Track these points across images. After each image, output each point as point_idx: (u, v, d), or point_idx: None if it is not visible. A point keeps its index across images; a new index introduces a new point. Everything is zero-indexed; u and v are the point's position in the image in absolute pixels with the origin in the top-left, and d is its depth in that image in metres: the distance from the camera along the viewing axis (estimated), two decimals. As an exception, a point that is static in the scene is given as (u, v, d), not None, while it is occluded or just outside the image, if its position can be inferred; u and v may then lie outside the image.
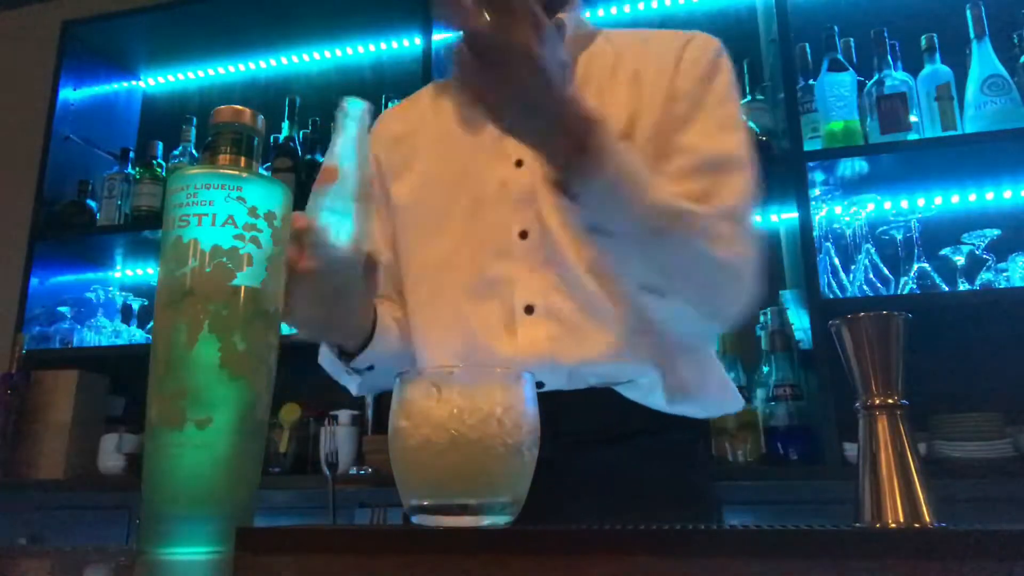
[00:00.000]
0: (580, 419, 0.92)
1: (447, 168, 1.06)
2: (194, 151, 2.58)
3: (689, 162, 0.93)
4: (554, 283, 0.95)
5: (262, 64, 2.89)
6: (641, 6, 2.48)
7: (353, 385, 1.05)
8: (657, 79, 0.99)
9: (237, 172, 0.62)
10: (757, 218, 0.96)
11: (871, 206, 2.04)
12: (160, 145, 2.64)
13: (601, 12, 2.48)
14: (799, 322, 1.97)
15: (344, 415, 2.22)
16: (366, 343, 0.96)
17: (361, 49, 2.78)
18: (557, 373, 0.92)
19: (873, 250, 2.00)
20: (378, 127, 1.17)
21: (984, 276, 1.92)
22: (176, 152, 2.58)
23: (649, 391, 0.93)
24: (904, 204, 2.14)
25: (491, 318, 0.96)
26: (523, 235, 0.97)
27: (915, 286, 1.92)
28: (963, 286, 1.91)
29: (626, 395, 0.93)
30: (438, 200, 1.04)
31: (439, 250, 1.02)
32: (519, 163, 1.01)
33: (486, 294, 0.97)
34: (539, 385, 0.91)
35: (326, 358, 1.02)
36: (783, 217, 2.22)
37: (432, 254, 1.03)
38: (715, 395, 0.99)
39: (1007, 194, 2.11)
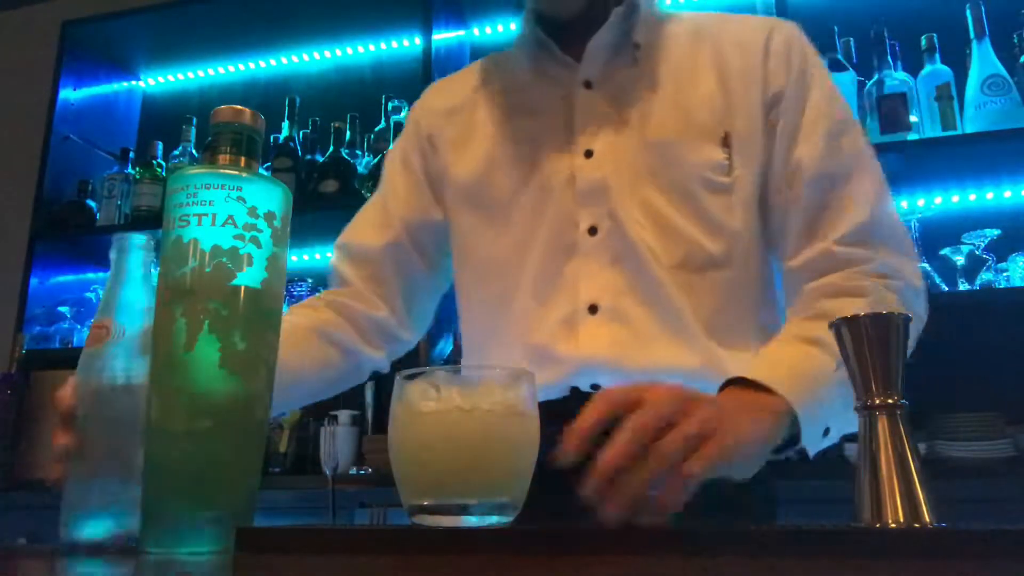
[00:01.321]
0: None
1: (511, 152, 1.00)
2: (194, 151, 2.58)
3: (812, 190, 0.90)
4: (624, 283, 0.90)
5: (262, 64, 2.88)
6: (641, 6, 2.47)
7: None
8: (745, 69, 0.95)
9: (237, 172, 0.62)
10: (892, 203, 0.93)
11: (871, 206, 2.04)
12: (160, 145, 2.64)
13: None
14: (799, 322, 1.97)
15: (344, 415, 2.22)
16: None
17: (361, 49, 2.78)
18: (617, 378, 0.86)
19: (873, 250, 1.99)
20: (426, 99, 1.13)
21: (984, 276, 1.92)
22: (176, 152, 2.58)
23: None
24: (904, 204, 2.14)
25: (553, 317, 0.92)
26: (592, 231, 0.93)
27: (915, 286, 1.92)
28: (963, 286, 1.91)
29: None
30: (502, 186, 0.99)
31: (504, 246, 0.98)
32: (588, 153, 0.95)
33: (551, 292, 0.93)
34: (595, 388, 0.88)
35: None
36: (783, 217, 2.22)
37: (497, 250, 0.98)
38: None
39: (1007, 194, 2.11)
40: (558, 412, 0.84)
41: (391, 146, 2.37)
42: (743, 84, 0.94)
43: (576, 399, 0.84)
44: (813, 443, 0.75)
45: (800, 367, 0.77)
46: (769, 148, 0.93)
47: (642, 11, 0.99)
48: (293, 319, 0.99)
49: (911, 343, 0.81)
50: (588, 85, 0.98)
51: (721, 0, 2.43)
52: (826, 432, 0.77)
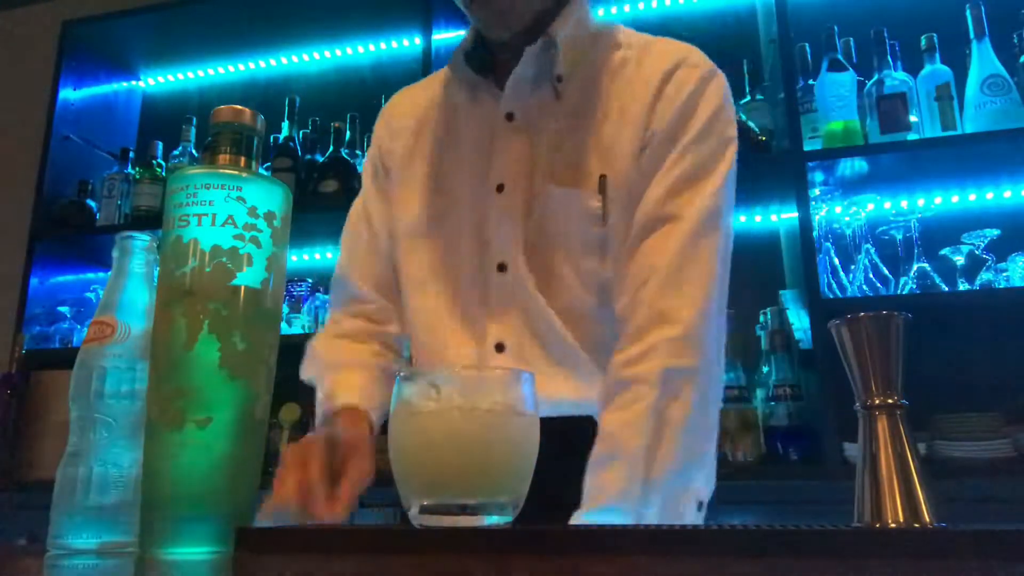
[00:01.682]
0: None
1: (438, 183, 1.04)
2: (194, 151, 2.58)
3: (641, 227, 0.91)
4: (524, 324, 0.95)
5: (262, 64, 2.89)
6: (641, 6, 2.48)
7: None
8: (636, 108, 0.95)
9: (237, 172, 0.62)
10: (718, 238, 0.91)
11: (871, 206, 2.04)
12: (160, 145, 2.64)
13: (601, 12, 2.48)
14: (799, 322, 1.97)
15: (344, 415, 2.22)
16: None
17: (361, 49, 2.78)
18: None
19: (873, 250, 2.00)
20: (385, 115, 1.16)
21: (984, 276, 1.92)
22: (176, 152, 2.58)
23: None
24: (904, 204, 2.14)
25: (466, 351, 0.97)
26: (501, 267, 0.96)
27: (915, 286, 1.92)
28: (963, 286, 1.91)
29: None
30: (427, 216, 1.03)
31: (425, 273, 1.02)
32: (500, 188, 0.98)
33: (462, 327, 0.98)
34: None
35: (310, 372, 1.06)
36: (783, 217, 2.22)
37: (422, 274, 1.02)
38: None
39: (1007, 194, 2.11)
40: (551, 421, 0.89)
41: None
42: (629, 123, 0.95)
43: None
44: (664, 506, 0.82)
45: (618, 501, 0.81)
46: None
47: (564, 39, 0.97)
48: (363, 359, 1.04)
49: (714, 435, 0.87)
50: (510, 117, 1.00)
51: (717, 1, 2.43)
52: (699, 506, 0.85)
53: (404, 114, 1.14)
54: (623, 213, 0.93)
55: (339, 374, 1.01)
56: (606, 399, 0.88)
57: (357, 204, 1.15)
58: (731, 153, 0.94)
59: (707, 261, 0.89)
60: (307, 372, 1.07)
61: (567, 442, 0.84)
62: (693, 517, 0.85)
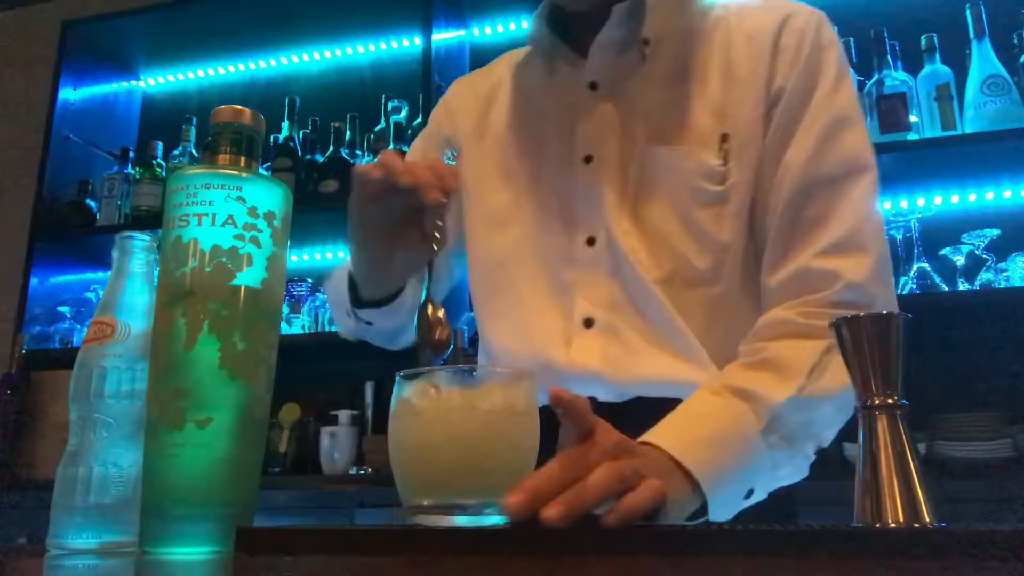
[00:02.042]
0: (628, 433, 0.88)
1: (516, 158, 0.99)
2: (194, 151, 2.58)
3: (794, 198, 0.85)
4: (618, 296, 0.89)
5: (262, 64, 2.89)
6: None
7: (340, 324, 1.04)
8: (751, 66, 0.90)
9: (237, 172, 0.62)
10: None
11: (871, 206, 2.04)
12: (160, 145, 2.64)
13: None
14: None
15: (344, 415, 2.22)
16: (383, 302, 0.94)
17: (361, 49, 2.78)
18: (607, 390, 0.87)
19: (873, 250, 1.99)
20: (448, 98, 1.12)
21: (984, 276, 1.92)
22: (176, 152, 2.58)
23: None
24: (904, 204, 2.14)
25: (549, 329, 0.91)
26: (590, 241, 0.91)
27: (915, 286, 1.92)
28: (963, 286, 1.91)
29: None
30: (506, 192, 0.98)
31: (503, 251, 0.97)
32: (588, 159, 0.93)
33: (548, 302, 0.93)
34: (591, 398, 0.84)
35: (335, 289, 1.00)
36: (783, 217, 2.22)
37: (498, 254, 0.97)
38: None
39: (1007, 194, 2.11)
40: (551, 419, 0.85)
41: (391, 147, 2.34)
42: (747, 82, 0.90)
43: None
44: (727, 508, 0.73)
45: (719, 430, 0.74)
46: (764, 147, 0.89)
47: (651, 2, 0.92)
48: None
49: None
50: (593, 86, 0.96)
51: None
52: (749, 494, 0.75)
53: (467, 95, 1.09)
54: (746, 173, 0.88)
55: None
56: (762, 339, 0.82)
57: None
58: (855, 91, 0.93)
59: (870, 217, 0.85)
60: (330, 285, 1.03)
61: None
62: (801, 460, 0.80)
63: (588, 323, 0.90)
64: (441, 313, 0.75)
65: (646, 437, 0.70)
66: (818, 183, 0.85)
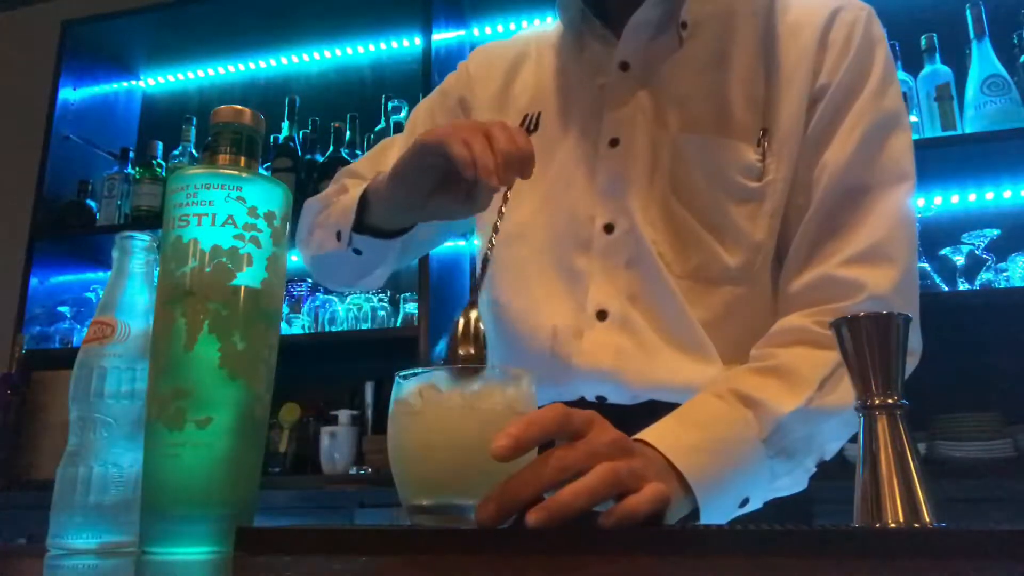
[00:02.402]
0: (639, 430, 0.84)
1: (537, 134, 0.94)
2: (194, 151, 2.58)
3: (828, 201, 0.82)
4: (635, 288, 0.84)
5: (262, 64, 2.89)
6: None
7: (309, 246, 0.98)
8: (795, 58, 0.85)
9: (237, 172, 0.62)
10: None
11: (871, 206, 2.04)
12: (160, 145, 2.64)
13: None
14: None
15: (344, 415, 2.22)
16: (391, 234, 0.89)
17: (361, 49, 2.78)
18: (619, 391, 0.83)
19: (873, 250, 1.99)
20: (465, 67, 1.06)
21: (984, 276, 1.92)
22: (176, 152, 2.58)
23: None
24: (904, 204, 2.14)
25: (560, 319, 0.87)
26: (608, 228, 0.86)
27: (915, 286, 1.92)
28: (963, 286, 1.91)
29: None
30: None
31: (514, 222, 0.90)
32: (614, 142, 0.88)
33: (560, 289, 0.88)
34: (600, 399, 0.84)
35: (336, 208, 0.94)
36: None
37: (506, 224, 0.88)
38: None
39: (1007, 194, 2.11)
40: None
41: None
42: (791, 77, 0.85)
43: (580, 406, 0.82)
44: (719, 515, 0.71)
45: (719, 436, 0.71)
46: (802, 143, 0.84)
47: None
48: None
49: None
50: (625, 67, 0.90)
51: None
52: (744, 502, 0.73)
53: (490, 64, 1.04)
54: (785, 171, 0.84)
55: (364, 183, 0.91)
56: (774, 344, 0.79)
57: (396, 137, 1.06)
58: (901, 92, 0.88)
59: (904, 227, 0.82)
60: (303, 225, 0.98)
61: None
62: (801, 473, 0.78)
63: (601, 315, 0.85)
64: (482, 329, 0.70)
65: (642, 435, 0.68)
66: (854, 188, 0.82)
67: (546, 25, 1.05)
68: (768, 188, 0.84)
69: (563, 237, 0.89)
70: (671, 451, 0.66)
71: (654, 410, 0.80)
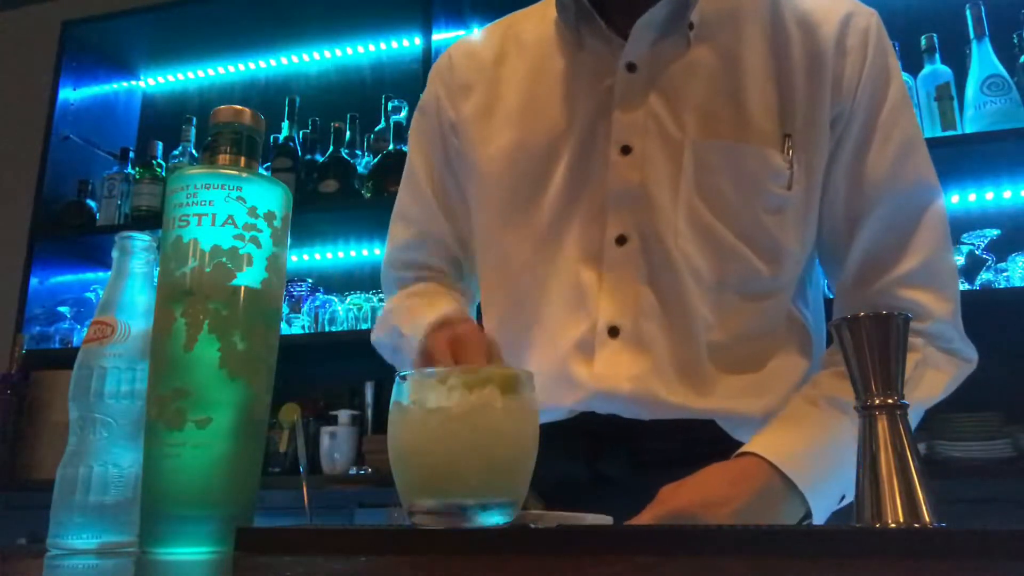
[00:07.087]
0: (654, 446, 0.82)
1: (535, 141, 0.88)
2: (194, 151, 2.58)
3: (881, 211, 0.83)
4: (652, 304, 0.81)
5: (262, 64, 2.89)
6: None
7: (382, 346, 0.98)
8: (812, 63, 0.83)
9: (237, 172, 0.62)
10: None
11: (871, 206, 2.04)
12: (160, 145, 2.64)
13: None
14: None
15: (344, 415, 2.22)
16: None
17: (361, 49, 2.78)
18: (634, 410, 0.81)
19: (873, 250, 2.00)
20: (446, 71, 1.00)
21: (984, 276, 1.92)
22: (176, 152, 2.59)
23: (738, 427, 0.82)
24: (904, 204, 2.14)
25: (570, 336, 0.83)
26: (620, 240, 0.82)
27: (915, 286, 1.92)
28: (963, 286, 1.91)
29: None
30: (524, 181, 0.88)
31: (523, 249, 0.87)
32: (626, 149, 0.83)
33: (569, 306, 0.84)
34: (613, 415, 0.82)
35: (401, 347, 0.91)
36: (783, 217, 2.22)
37: (517, 251, 0.88)
38: None
39: (1007, 194, 2.11)
40: (570, 430, 0.82)
41: (391, 147, 2.31)
42: (808, 81, 0.83)
43: (592, 418, 0.83)
44: (824, 514, 0.76)
45: (820, 441, 0.76)
46: (831, 157, 0.84)
47: None
48: (447, 293, 0.94)
49: (952, 385, 0.85)
50: (631, 68, 0.85)
51: None
52: (842, 499, 0.77)
53: (470, 68, 0.97)
54: (812, 178, 0.83)
55: (424, 301, 0.89)
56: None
57: (403, 197, 1.01)
58: None
59: (948, 245, 0.85)
60: (380, 330, 0.96)
61: (688, 445, 0.79)
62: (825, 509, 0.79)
63: (613, 332, 0.81)
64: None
65: (747, 448, 0.73)
66: (902, 202, 0.83)
67: (529, 12, 0.99)
68: (796, 197, 0.83)
69: (572, 254, 0.85)
70: (777, 458, 0.73)
71: (668, 425, 0.81)
